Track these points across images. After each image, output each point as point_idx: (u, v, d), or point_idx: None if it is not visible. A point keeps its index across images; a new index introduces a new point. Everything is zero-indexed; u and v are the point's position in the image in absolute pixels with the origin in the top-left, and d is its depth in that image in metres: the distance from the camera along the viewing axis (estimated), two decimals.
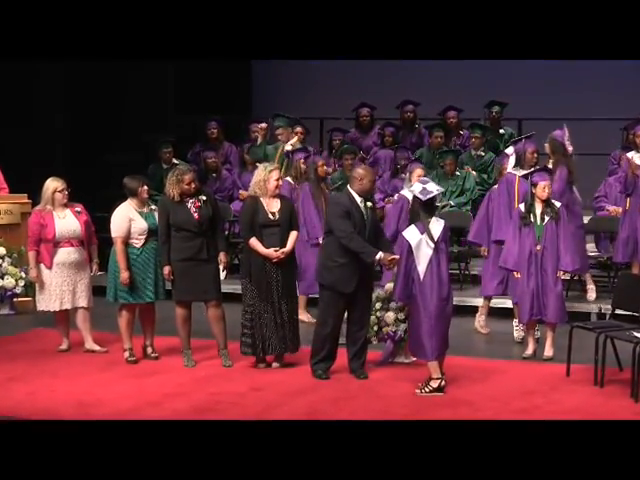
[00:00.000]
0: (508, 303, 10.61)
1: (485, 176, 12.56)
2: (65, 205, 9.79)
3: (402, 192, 10.50)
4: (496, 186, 10.96)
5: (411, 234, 8.49)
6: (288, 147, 11.83)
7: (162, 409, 8.06)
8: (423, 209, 8.51)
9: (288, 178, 10.98)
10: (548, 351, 9.62)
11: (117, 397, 8.40)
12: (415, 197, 8.56)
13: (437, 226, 8.51)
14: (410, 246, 8.45)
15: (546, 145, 10.74)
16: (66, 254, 9.78)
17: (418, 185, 8.60)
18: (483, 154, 12.81)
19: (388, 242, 9.16)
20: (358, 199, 8.86)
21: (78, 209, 9.85)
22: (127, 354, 9.54)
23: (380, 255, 8.67)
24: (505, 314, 10.89)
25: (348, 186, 8.96)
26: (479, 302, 11.02)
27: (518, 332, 10.35)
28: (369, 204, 8.91)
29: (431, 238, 8.43)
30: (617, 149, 12.46)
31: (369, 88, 14.78)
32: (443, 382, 8.51)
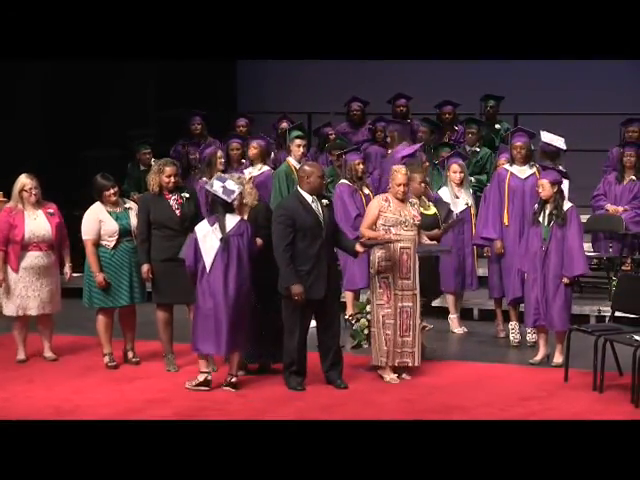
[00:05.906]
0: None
1: (484, 177, 12.21)
2: (38, 204, 9.41)
3: None
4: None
5: (200, 226, 8.44)
6: None
7: (144, 416, 7.97)
8: (223, 207, 8.41)
9: (344, 180, 10.53)
10: (557, 357, 9.48)
11: (96, 404, 8.29)
12: (215, 197, 8.36)
13: (231, 221, 8.42)
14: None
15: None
16: (33, 258, 9.39)
17: (217, 183, 8.38)
18: (478, 150, 12.54)
19: (349, 240, 8.85)
20: (309, 198, 8.54)
21: (51, 210, 9.46)
22: (107, 359, 9.36)
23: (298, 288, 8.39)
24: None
25: (297, 186, 8.67)
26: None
27: (514, 335, 10.20)
28: (325, 201, 8.58)
29: (222, 230, 8.34)
30: (615, 146, 12.20)
31: (359, 81, 14.59)
32: (210, 376, 8.60)
